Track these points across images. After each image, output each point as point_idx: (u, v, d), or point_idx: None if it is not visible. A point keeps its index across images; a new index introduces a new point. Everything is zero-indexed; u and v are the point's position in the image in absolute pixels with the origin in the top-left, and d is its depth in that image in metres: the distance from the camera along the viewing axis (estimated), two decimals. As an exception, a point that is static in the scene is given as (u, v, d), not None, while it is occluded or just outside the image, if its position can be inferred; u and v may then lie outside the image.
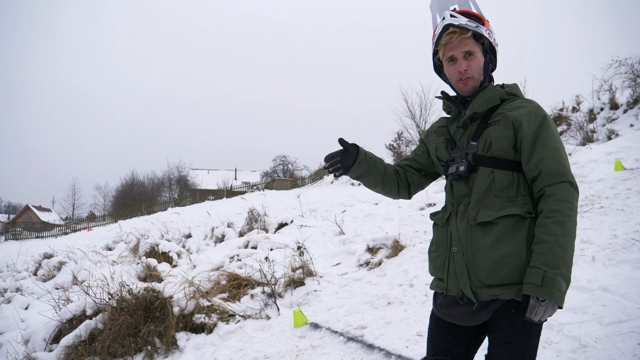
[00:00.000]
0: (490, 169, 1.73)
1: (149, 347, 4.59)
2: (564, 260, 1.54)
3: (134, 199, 47.49)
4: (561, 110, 13.99)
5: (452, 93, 1.96)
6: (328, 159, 1.91)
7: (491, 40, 1.82)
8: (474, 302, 1.68)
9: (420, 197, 8.68)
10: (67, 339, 4.68)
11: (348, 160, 1.93)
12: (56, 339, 4.96)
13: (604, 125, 11.51)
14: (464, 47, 1.79)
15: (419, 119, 21.64)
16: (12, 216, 71.80)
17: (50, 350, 4.75)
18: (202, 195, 40.63)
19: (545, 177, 1.65)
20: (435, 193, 8.48)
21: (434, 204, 7.83)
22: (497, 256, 1.64)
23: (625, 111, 11.76)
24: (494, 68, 1.92)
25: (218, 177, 51.97)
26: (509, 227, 1.66)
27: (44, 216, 65.44)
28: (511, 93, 1.84)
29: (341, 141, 1.94)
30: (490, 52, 1.86)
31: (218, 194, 39.33)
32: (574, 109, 13.66)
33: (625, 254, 3.86)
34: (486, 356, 1.73)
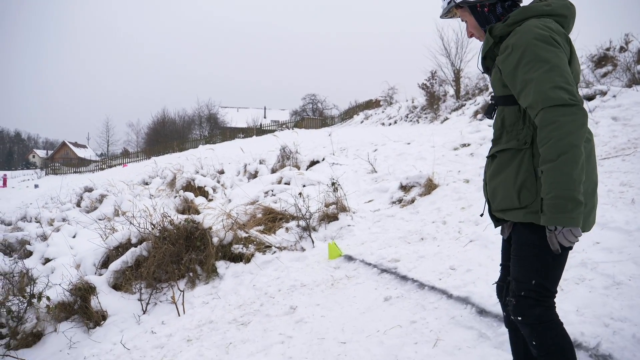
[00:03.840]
0: (502, 107, 1.90)
1: (190, 274, 4.87)
2: (557, 182, 1.58)
3: (166, 136, 48.34)
4: (607, 49, 13.24)
5: None
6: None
7: None
8: (494, 222, 2.00)
9: (455, 137, 8.58)
10: (115, 264, 5.00)
11: None
12: (104, 264, 5.31)
13: (653, 65, 10.89)
14: (460, 18, 2.05)
15: (454, 57, 20.90)
16: (50, 152, 74.43)
17: (100, 274, 5.10)
18: (232, 133, 41.00)
19: (531, 111, 1.69)
20: (470, 133, 8.36)
21: (469, 144, 7.74)
22: (493, 185, 1.89)
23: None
24: (502, 2, 1.93)
25: (247, 115, 52.12)
26: (505, 159, 1.84)
27: (80, 152, 67.62)
28: (514, 22, 1.81)
29: None
30: (477, 1, 1.92)
31: (248, 132, 39.61)
32: (622, 49, 12.91)
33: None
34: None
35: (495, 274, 3.33)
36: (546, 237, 1.67)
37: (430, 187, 5.82)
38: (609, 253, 3.19)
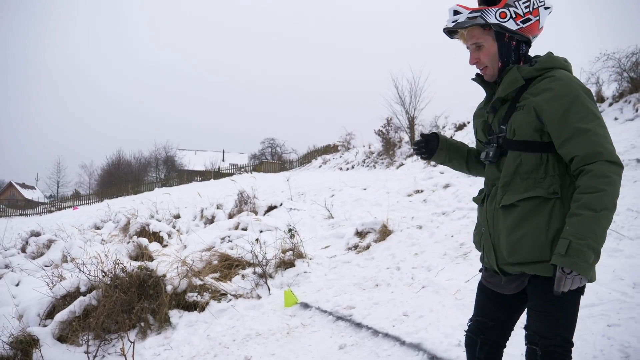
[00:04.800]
0: (518, 152, 1.79)
1: (142, 324, 4.72)
2: (593, 232, 1.57)
3: (120, 178, 47.15)
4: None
5: None
6: (415, 144, 2.16)
7: (503, 22, 1.78)
8: (502, 277, 1.87)
9: (409, 183, 8.86)
10: (62, 315, 4.78)
11: (432, 148, 2.14)
12: (50, 314, 5.06)
13: (589, 117, 11.70)
14: (471, 39, 1.86)
15: (408, 105, 21.72)
16: (-6, 193, 70.76)
17: (45, 326, 4.85)
18: (189, 176, 40.47)
19: (580, 161, 1.65)
20: (423, 180, 8.66)
21: (422, 191, 8.01)
22: (516, 237, 1.76)
23: (610, 104, 12.02)
24: (526, 42, 1.87)
25: (205, 158, 51.75)
26: (530, 209, 1.74)
27: (27, 194, 64.54)
28: (543, 68, 1.79)
29: (422, 135, 2.16)
30: (510, 32, 1.80)
31: (205, 175, 39.24)
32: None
33: (602, 243, 4.06)
34: (525, 326, 1.83)
35: (446, 319, 3.44)
36: (571, 290, 1.65)
37: (384, 233, 5.96)
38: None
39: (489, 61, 1.85)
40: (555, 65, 1.79)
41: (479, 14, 1.79)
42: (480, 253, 2.01)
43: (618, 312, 2.97)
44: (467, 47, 1.92)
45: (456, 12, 1.82)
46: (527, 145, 1.77)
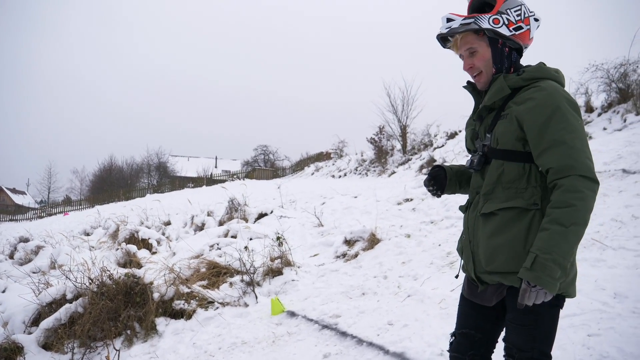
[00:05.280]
0: (501, 161, 1.80)
1: (128, 332, 4.70)
2: (559, 247, 1.57)
3: (112, 184, 46.89)
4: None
5: None
6: (426, 185, 2.12)
7: (496, 27, 1.80)
8: (479, 285, 1.87)
9: (398, 192, 8.89)
10: (47, 322, 4.76)
11: (441, 182, 2.11)
12: (35, 321, 5.03)
13: (578, 127, 11.80)
14: (465, 45, 1.88)
15: (400, 113, 21.91)
16: (-16, 198, 70.08)
17: (30, 333, 4.82)
18: (181, 182, 40.35)
19: (554, 174, 1.65)
20: (413, 188, 8.70)
21: (411, 199, 8.04)
22: (494, 245, 1.77)
23: (599, 115, 12.15)
24: (518, 51, 1.89)
25: (198, 164, 51.58)
26: (509, 219, 1.75)
27: (18, 199, 64.02)
28: (530, 78, 1.80)
29: (428, 174, 2.13)
30: (504, 37, 1.83)
31: (198, 181, 39.12)
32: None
33: (585, 253, 4.10)
34: (503, 339, 1.81)
35: (430, 329, 3.46)
36: (549, 303, 1.64)
37: (373, 241, 5.98)
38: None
39: (484, 66, 1.86)
40: (544, 76, 1.80)
41: (472, 20, 1.82)
42: (462, 261, 1.99)
43: (598, 322, 3.00)
44: (460, 56, 1.94)
45: (449, 20, 1.86)
46: (510, 155, 1.78)
